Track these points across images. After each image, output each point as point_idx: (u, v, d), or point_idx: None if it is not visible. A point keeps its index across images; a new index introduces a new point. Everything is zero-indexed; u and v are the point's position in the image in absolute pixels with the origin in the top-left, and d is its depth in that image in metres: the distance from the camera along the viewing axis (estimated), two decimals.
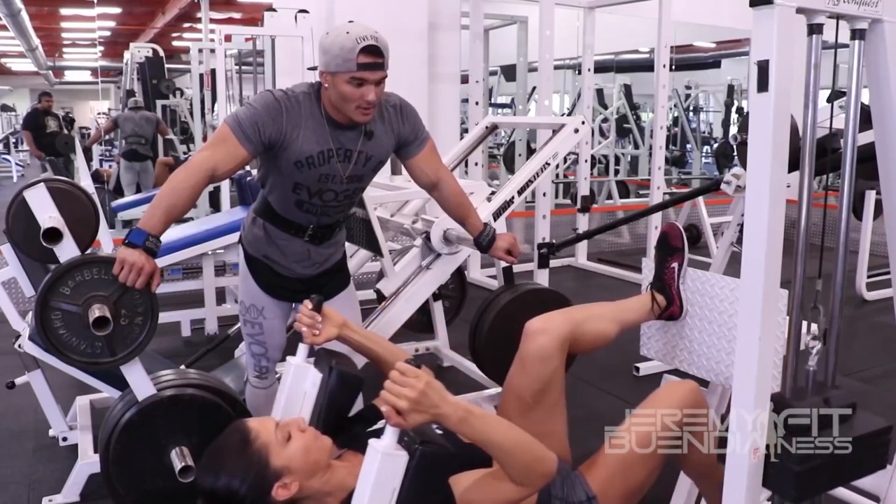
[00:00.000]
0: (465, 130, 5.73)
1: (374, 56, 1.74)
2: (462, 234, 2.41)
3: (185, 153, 6.69)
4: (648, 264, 1.94)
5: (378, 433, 1.25)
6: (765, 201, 1.13)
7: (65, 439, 2.53)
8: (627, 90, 8.66)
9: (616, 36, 7.70)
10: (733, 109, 9.38)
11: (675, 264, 1.86)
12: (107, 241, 2.66)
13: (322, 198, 1.93)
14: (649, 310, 1.86)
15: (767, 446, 1.22)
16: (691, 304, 1.85)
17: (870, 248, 4.46)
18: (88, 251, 1.92)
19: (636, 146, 8.70)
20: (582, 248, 5.68)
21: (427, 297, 2.73)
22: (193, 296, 3.93)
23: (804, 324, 1.33)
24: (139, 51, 7.65)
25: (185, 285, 3.95)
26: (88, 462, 2.25)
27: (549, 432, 1.64)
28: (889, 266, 1.56)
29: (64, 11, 10.39)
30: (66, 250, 1.83)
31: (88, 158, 7.43)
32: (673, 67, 5.60)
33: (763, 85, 1.11)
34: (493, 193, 2.75)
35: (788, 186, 1.20)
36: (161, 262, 3.52)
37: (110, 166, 7.44)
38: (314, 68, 2.00)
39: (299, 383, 1.59)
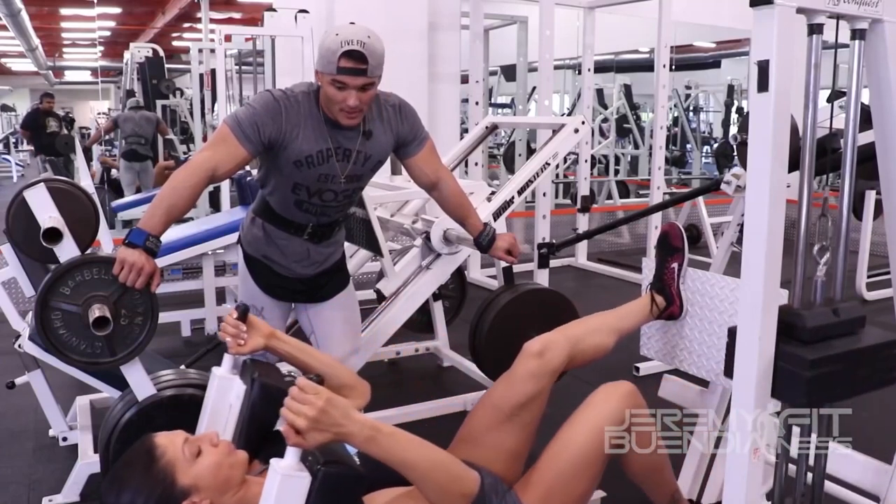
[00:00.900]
0: (465, 130, 5.73)
1: (355, 61, 1.72)
2: (462, 234, 2.41)
3: (185, 153, 6.69)
4: (648, 264, 1.94)
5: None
6: (765, 201, 1.13)
7: (65, 439, 2.53)
8: (627, 90, 8.66)
9: (616, 36, 7.70)
10: (733, 109, 9.38)
11: (675, 264, 1.86)
12: (107, 241, 2.66)
13: (322, 197, 1.93)
14: (648, 311, 1.86)
15: (776, 361, 1.20)
16: (691, 304, 1.85)
17: (870, 248, 4.46)
18: (88, 251, 1.92)
19: (636, 146, 8.70)
20: (582, 248, 5.68)
21: (427, 297, 2.72)
22: (193, 296, 3.93)
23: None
24: (139, 51, 7.65)
25: (185, 285, 3.95)
26: (88, 462, 2.25)
27: (513, 451, 1.62)
28: (889, 266, 1.56)
29: (64, 11, 10.39)
30: (66, 250, 1.83)
31: (88, 158, 7.43)
32: (673, 67, 5.60)
33: (763, 85, 1.11)
34: (493, 193, 2.75)
35: (788, 186, 1.20)
36: (161, 262, 3.51)
37: (92, 164, 7.41)
38: None
39: (224, 395, 1.52)
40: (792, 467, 1.46)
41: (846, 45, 1.30)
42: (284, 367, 2.00)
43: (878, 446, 1.69)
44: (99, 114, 13.03)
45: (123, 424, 1.88)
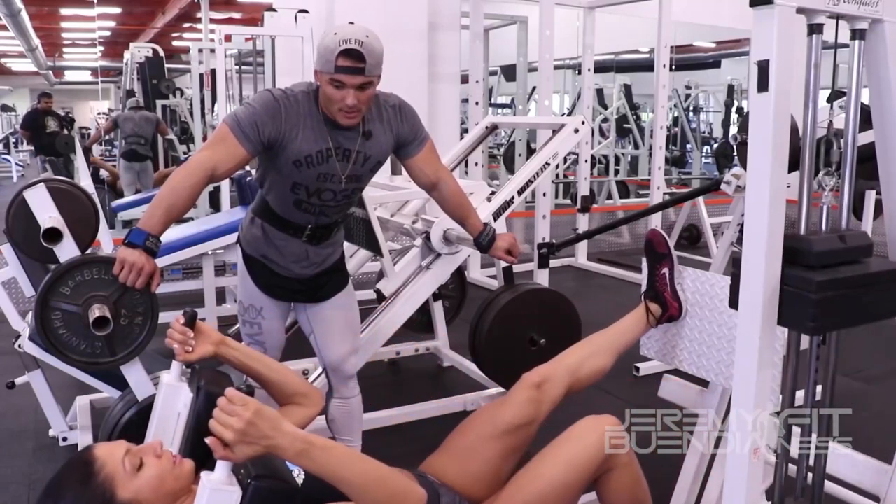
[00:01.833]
0: (465, 130, 5.73)
1: (353, 60, 1.72)
2: (462, 234, 2.41)
3: (185, 153, 6.69)
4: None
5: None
6: (765, 201, 1.13)
7: (65, 439, 2.53)
8: (627, 90, 8.67)
9: (616, 36, 7.70)
10: (733, 109, 9.39)
11: (665, 270, 1.86)
12: (107, 241, 2.66)
13: (321, 197, 1.93)
14: (645, 322, 1.87)
15: (781, 288, 1.19)
16: (691, 304, 1.85)
17: None
18: (88, 251, 1.92)
19: (636, 146, 8.71)
20: (582, 248, 5.68)
21: (427, 297, 2.73)
22: (193, 296, 3.92)
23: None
24: (139, 51, 7.65)
25: (185, 285, 3.94)
26: None
27: (492, 471, 1.61)
28: None
29: (64, 11, 10.39)
30: (66, 250, 1.83)
31: (89, 158, 7.43)
32: (673, 67, 5.61)
33: (763, 85, 1.11)
34: (493, 193, 2.75)
35: (788, 186, 1.20)
36: (161, 262, 3.51)
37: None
38: None
39: (171, 403, 1.48)
40: (792, 467, 1.46)
41: (846, 45, 1.30)
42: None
43: (878, 446, 1.69)
44: (99, 114, 13.03)
45: (123, 424, 1.88)
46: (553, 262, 4.59)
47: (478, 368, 2.71)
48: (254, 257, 2.03)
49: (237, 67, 7.49)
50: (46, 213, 1.85)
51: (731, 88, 9.39)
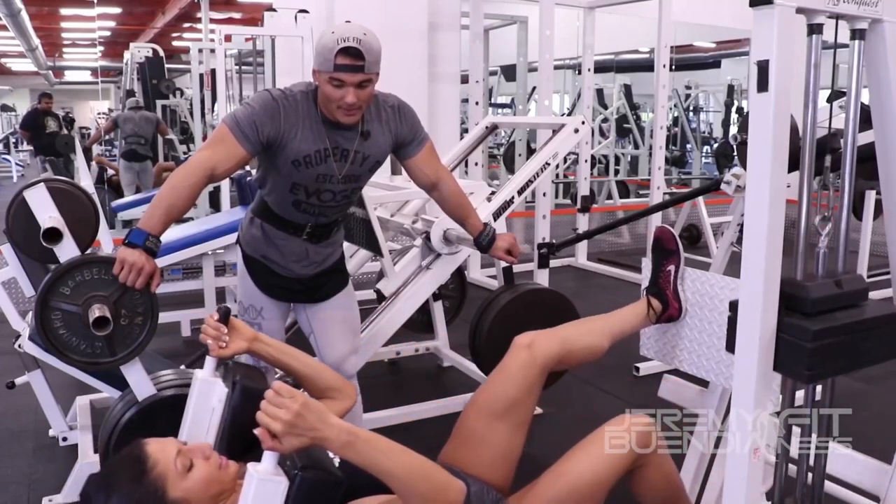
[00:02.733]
0: (465, 130, 5.73)
1: (352, 58, 1.73)
2: (462, 234, 2.41)
3: (185, 153, 6.69)
4: (648, 264, 1.94)
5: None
6: (765, 201, 1.13)
7: (65, 439, 2.53)
8: (627, 90, 8.66)
9: (616, 36, 7.70)
10: (733, 109, 9.38)
11: (671, 267, 1.86)
12: (107, 241, 2.66)
13: (320, 198, 1.93)
14: (645, 316, 1.86)
15: (778, 334, 1.19)
16: (691, 304, 1.85)
17: (870, 248, 4.46)
18: (88, 251, 1.92)
19: (636, 146, 8.70)
20: (582, 248, 5.68)
21: (427, 297, 2.72)
22: (193, 296, 3.93)
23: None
24: (139, 51, 7.64)
25: (185, 285, 3.95)
26: (88, 462, 2.25)
27: (504, 452, 1.60)
28: (889, 266, 1.56)
29: (64, 11, 10.39)
30: (66, 250, 1.83)
31: (88, 158, 7.42)
32: (673, 67, 5.60)
33: (763, 85, 1.11)
34: (493, 193, 2.75)
35: (788, 186, 1.20)
36: (161, 262, 3.51)
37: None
38: None
39: (206, 399, 1.49)
40: (792, 467, 1.46)
41: (846, 45, 1.30)
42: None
43: (878, 446, 1.69)
44: (99, 114, 13.01)
45: (123, 424, 1.88)
46: (553, 262, 4.59)
47: (478, 368, 2.70)
48: (254, 257, 2.03)
49: (237, 67, 7.49)
50: (46, 213, 1.85)
51: (731, 88, 9.38)
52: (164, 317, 2.35)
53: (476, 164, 4.87)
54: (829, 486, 1.71)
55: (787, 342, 1.19)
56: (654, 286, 1.87)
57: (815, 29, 1.20)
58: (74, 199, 1.97)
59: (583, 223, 5.52)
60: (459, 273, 3.35)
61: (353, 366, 2.15)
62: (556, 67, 5.40)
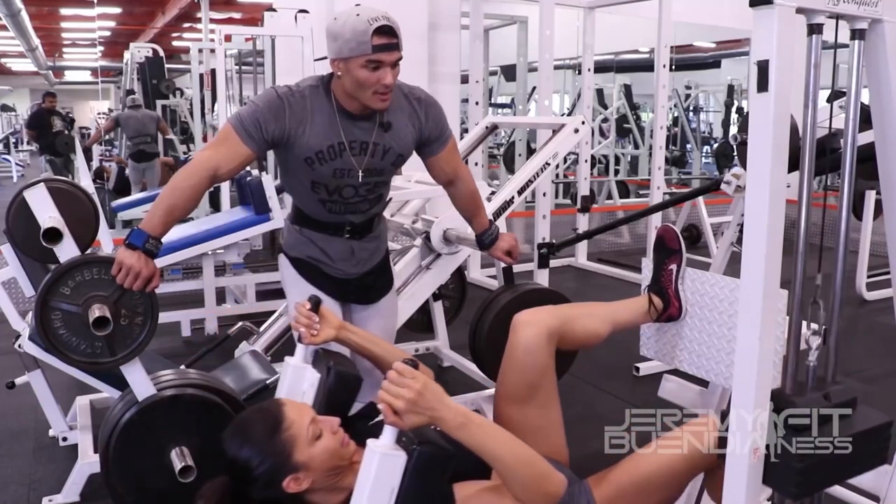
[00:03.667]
0: (465, 130, 5.73)
1: (388, 36, 1.71)
2: (462, 234, 2.42)
3: (185, 153, 6.70)
4: (648, 264, 1.94)
5: (378, 428, 1.24)
6: (765, 201, 1.13)
7: (65, 439, 2.53)
8: (627, 90, 8.66)
9: (616, 36, 7.70)
10: (733, 109, 9.39)
11: (672, 266, 1.86)
12: (107, 241, 2.66)
13: (341, 194, 1.89)
14: (646, 312, 1.86)
15: (767, 445, 1.21)
16: (691, 304, 1.85)
17: (870, 248, 4.46)
18: (88, 251, 1.92)
19: (636, 146, 8.71)
20: (582, 248, 5.68)
21: (427, 297, 2.73)
22: (193, 296, 3.93)
23: (805, 323, 1.33)
24: (139, 51, 7.65)
25: (185, 285, 3.95)
26: (88, 462, 2.25)
27: (544, 427, 1.62)
28: (889, 266, 1.56)
29: (64, 11, 10.39)
30: (66, 250, 1.83)
31: (88, 158, 7.43)
32: (673, 67, 5.60)
33: (763, 85, 1.11)
34: (493, 193, 2.75)
35: (788, 186, 1.20)
36: (161, 262, 3.51)
37: (109, 165, 7.47)
38: (322, 58, 1.96)
39: (297, 384, 1.58)
40: None
41: (846, 45, 1.30)
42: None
43: None
44: (99, 114, 13.01)
45: (123, 424, 1.88)
46: (553, 262, 4.60)
47: (478, 368, 2.70)
48: (301, 259, 1.99)
49: (237, 67, 7.49)
50: (46, 213, 1.85)
51: (731, 88, 9.39)
52: (164, 317, 2.36)
53: (476, 164, 4.87)
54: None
55: (776, 461, 1.22)
56: (655, 284, 1.87)
57: (815, 29, 1.20)
58: (74, 199, 1.97)
59: (583, 223, 5.52)
60: (459, 273, 3.35)
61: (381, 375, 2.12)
62: (556, 67, 5.40)
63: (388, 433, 1.20)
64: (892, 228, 1.48)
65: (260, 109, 1.76)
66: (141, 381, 1.90)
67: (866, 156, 1.45)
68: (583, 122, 2.89)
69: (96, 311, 1.74)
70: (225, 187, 4.74)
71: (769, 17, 1.09)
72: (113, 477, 1.89)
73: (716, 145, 9.74)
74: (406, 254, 2.78)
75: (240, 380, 2.54)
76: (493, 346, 2.50)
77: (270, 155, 5.32)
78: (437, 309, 3.31)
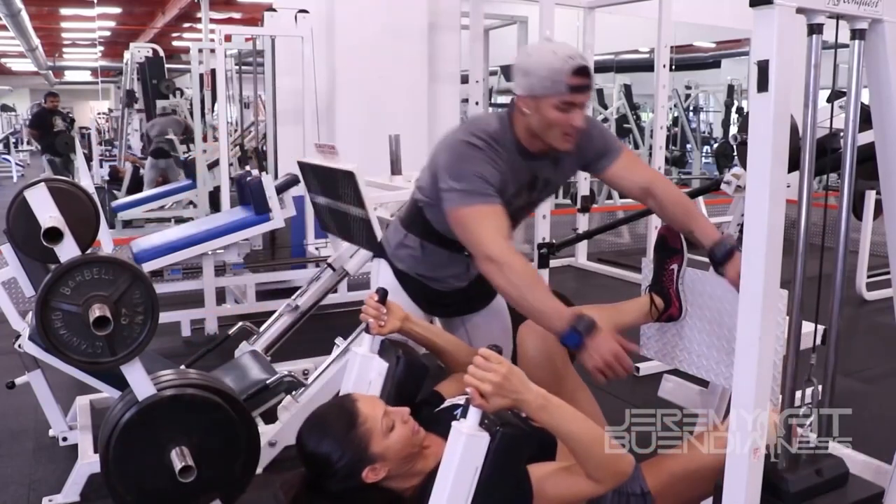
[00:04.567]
0: None
1: (584, 77, 1.64)
2: None
3: (185, 153, 6.70)
4: (648, 264, 1.94)
5: (449, 411, 1.30)
6: (765, 201, 1.13)
7: (65, 439, 2.53)
8: (627, 90, 8.67)
9: (616, 36, 7.70)
10: (733, 109, 9.39)
11: (674, 266, 1.86)
12: (107, 241, 2.67)
13: None
14: (647, 312, 1.86)
15: None
16: (691, 305, 1.85)
17: (870, 248, 4.46)
18: (89, 251, 1.92)
19: (636, 146, 8.70)
20: (582, 248, 5.68)
21: None
22: (193, 296, 3.92)
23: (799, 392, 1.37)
24: (139, 51, 7.65)
25: (185, 285, 3.94)
26: (88, 462, 2.25)
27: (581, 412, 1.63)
28: (889, 266, 1.56)
29: (64, 11, 10.40)
30: (67, 250, 1.83)
31: (89, 158, 7.44)
32: (673, 67, 5.60)
33: (763, 85, 1.11)
34: None
35: (788, 186, 1.20)
36: (161, 262, 3.52)
37: (124, 165, 7.52)
38: (511, 95, 1.80)
39: (364, 373, 1.64)
40: None
41: (846, 45, 1.30)
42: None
43: (878, 446, 1.69)
44: (99, 114, 13.03)
45: (123, 424, 1.88)
46: (553, 262, 4.59)
47: None
48: (409, 274, 1.95)
49: (237, 67, 7.49)
50: (47, 212, 1.85)
51: (731, 88, 9.40)
52: (164, 317, 2.35)
53: None
54: None
55: None
56: (656, 284, 1.87)
57: (815, 29, 1.20)
58: (75, 199, 1.97)
59: (583, 223, 5.52)
60: None
61: None
62: None
63: (473, 415, 1.23)
64: (892, 228, 1.48)
65: (477, 170, 1.65)
66: (141, 381, 1.90)
67: (866, 156, 1.45)
68: None
69: (97, 311, 1.74)
70: (225, 188, 4.74)
71: (769, 17, 1.09)
72: (113, 477, 1.89)
73: (716, 145, 9.75)
74: None
75: (240, 380, 2.54)
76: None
77: (270, 155, 5.33)
78: None
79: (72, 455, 2.38)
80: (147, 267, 3.35)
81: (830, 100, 1.48)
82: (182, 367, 2.44)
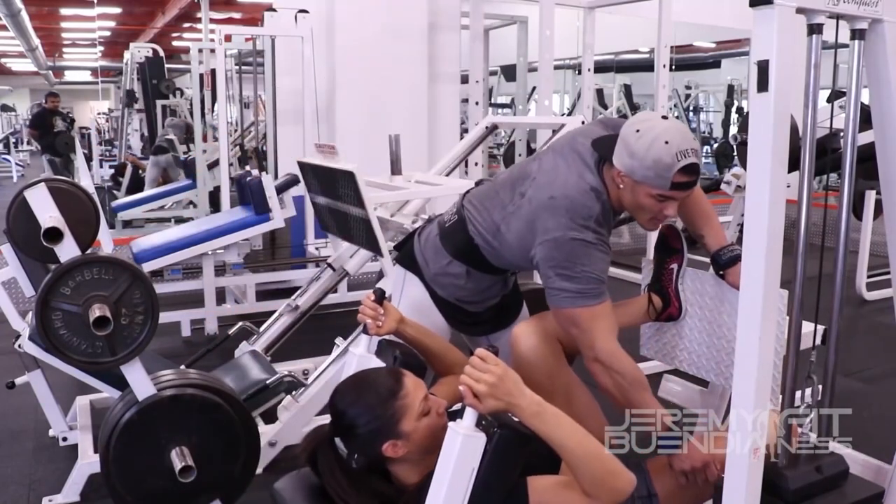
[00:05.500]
0: (465, 130, 5.73)
1: (691, 174, 1.56)
2: None
3: (185, 153, 6.70)
4: (648, 264, 1.94)
5: (455, 414, 1.28)
6: (765, 201, 1.13)
7: (65, 439, 2.53)
8: (627, 90, 8.67)
9: (616, 36, 7.70)
10: (733, 109, 9.39)
11: (674, 265, 1.86)
12: (107, 241, 2.67)
13: None
14: (645, 312, 1.86)
15: None
16: (691, 305, 1.85)
17: (870, 248, 4.46)
18: (88, 251, 1.92)
19: None
20: None
21: None
22: (193, 296, 3.92)
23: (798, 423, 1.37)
24: (139, 51, 7.65)
25: (185, 285, 3.94)
26: (88, 462, 2.25)
27: (580, 419, 1.63)
28: (889, 266, 1.57)
29: (64, 11, 10.40)
30: (67, 250, 1.83)
31: (89, 158, 7.45)
32: (673, 67, 5.60)
33: (763, 85, 1.11)
34: None
35: (788, 186, 1.20)
36: (161, 262, 3.52)
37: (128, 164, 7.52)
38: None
39: None
40: None
41: (846, 45, 1.30)
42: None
43: (878, 446, 1.69)
44: (99, 114, 13.02)
45: (123, 424, 1.88)
46: None
47: None
48: (446, 300, 1.93)
49: (237, 67, 7.49)
50: (47, 212, 1.85)
51: (731, 88, 9.39)
52: (164, 317, 2.35)
53: (476, 164, 4.85)
54: None
55: None
56: (656, 283, 1.87)
57: (815, 29, 1.20)
58: (75, 199, 1.97)
59: None
60: None
61: None
62: (556, 67, 5.40)
63: (469, 415, 1.22)
64: (892, 228, 1.48)
65: (588, 270, 1.62)
66: (141, 381, 1.90)
67: (866, 156, 1.45)
68: (582, 122, 2.89)
69: (97, 311, 1.74)
70: (225, 187, 4.74)
71: (769, 17, 1.09)
72: (113, 477, 1.89)
73: (716, 145, 9.74)
74: None
75: (240, 380, 2.54)
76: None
77: (270, 155, 5.33)
78: None
79: (72, 455, 2.38)
80: (147, 267, 3.35)
81: (830, 100, 1.48)
82: (182, 367, 2.44)
